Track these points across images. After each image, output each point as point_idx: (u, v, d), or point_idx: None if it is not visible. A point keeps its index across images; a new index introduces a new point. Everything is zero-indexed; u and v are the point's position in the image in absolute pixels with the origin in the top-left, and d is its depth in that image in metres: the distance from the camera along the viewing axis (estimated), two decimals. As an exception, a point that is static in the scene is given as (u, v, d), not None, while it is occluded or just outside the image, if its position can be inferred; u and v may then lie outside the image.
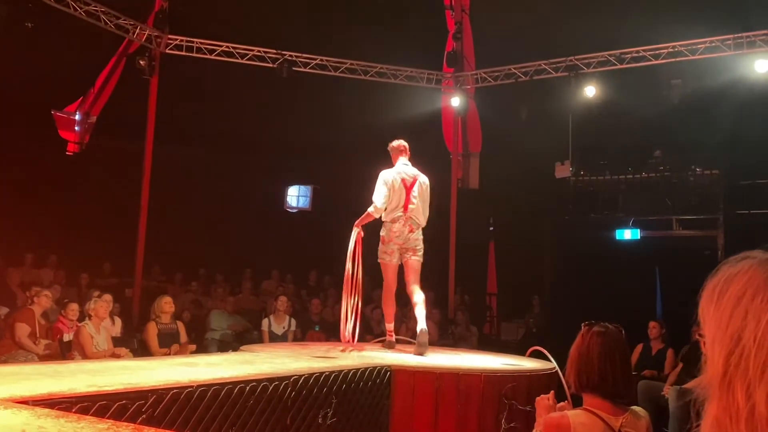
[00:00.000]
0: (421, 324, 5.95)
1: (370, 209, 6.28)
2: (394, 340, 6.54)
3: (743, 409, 0.91)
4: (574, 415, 2.59)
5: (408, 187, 6.33)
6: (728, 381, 0.94)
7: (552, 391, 2.81)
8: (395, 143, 6.67)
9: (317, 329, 9.88)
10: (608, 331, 2.70)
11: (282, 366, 4.26)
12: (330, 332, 9.25)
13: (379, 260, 6.38)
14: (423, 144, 13.10)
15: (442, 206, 12.28)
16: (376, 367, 4.59)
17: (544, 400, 2.77)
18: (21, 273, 10.74)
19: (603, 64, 11.01)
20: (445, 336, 10.43)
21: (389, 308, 6.54)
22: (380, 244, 6.34)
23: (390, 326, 6.59)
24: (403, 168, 6.46)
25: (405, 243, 6.26)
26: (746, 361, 0.92)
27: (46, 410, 1.98)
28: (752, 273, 0.96)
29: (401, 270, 6.37)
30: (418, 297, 6.21)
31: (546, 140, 12.74)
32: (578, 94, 11.29)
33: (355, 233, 6.42)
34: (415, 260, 6.32)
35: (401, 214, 6.26)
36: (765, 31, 9.94)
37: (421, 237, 6.37)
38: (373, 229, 6.54)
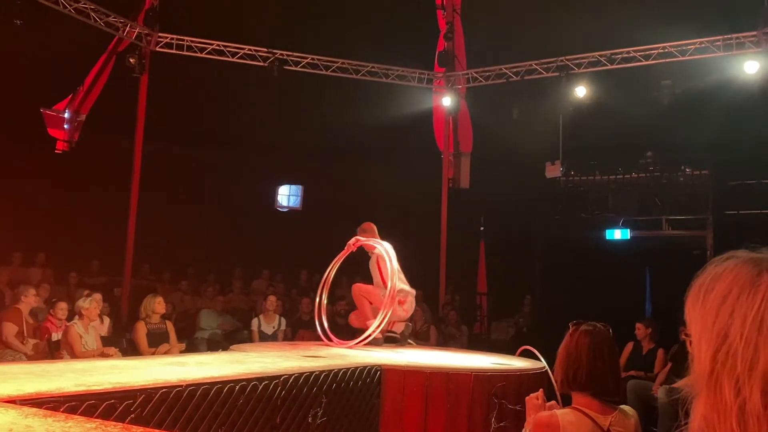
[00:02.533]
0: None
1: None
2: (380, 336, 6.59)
3: (732, 405, 0.92)
4: (563, 414, 2.59)
5: None
6: (716, 378, 0.94)
7: (541, 390, 2.81)
8: (368, 225, 6.82)
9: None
10: (596, 330, 2.71)
11: (272, 365, 4.25)
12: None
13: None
14: (414, 143, 13.19)
15: (433, 206, 12.31)
16: (366, 366, 4.58)
17: (533, 400, 2.78)
18: (9, 272, 10.67)
19: (593, 64, 11.05)
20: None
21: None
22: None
23: (370, 322, 6.62)
24: None
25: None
26: (733, 358, 0.93)
27: (34, 409, 1.97)
28: (737, 272, 0.97)
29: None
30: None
31: (536, 140, 12.78)
32: (569, 94, 11.33)
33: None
34: None
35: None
36: (754, 33, 10.01)
37: None
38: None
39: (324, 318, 6.51)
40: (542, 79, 11.53)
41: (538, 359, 5.13)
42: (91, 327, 7.43)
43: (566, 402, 2.77)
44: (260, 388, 3.60)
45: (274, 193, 15.59)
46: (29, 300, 7.81)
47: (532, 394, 2.78)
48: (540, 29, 11.74)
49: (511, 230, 13.66)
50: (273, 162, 14.66)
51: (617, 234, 13.09)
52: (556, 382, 2.79)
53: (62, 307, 7.82)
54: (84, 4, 9.90)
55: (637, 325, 8.32)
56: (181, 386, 3.15)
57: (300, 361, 4.61)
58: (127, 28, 10.66)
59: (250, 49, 11.38)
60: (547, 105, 12.10)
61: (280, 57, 11.41)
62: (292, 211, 15.56)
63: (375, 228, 6.84)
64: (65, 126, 11.97)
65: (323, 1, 12.53)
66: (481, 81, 12.20)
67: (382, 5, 12.33)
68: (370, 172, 12.74)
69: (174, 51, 11.14)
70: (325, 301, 6.72)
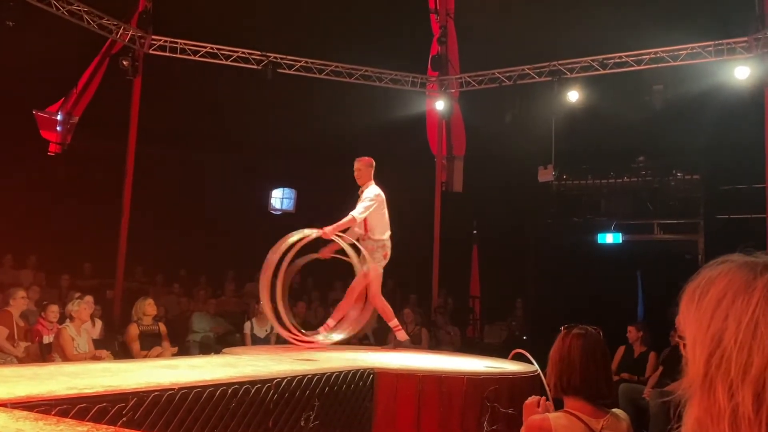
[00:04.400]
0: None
1: (356, 217, 6.38)
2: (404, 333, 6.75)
3: (725, 409, 0.92)
4: (556, 418, 2.59)
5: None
6: (709, 382, 0.94)
7: (543, 398, 2.79)
8: (371, 161, 6.77)
9: None
10: (588, 334, 2.71)
11: (264, 368, 4.24)
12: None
13: (377, 270, 6.59)
14: (407, 147, 13.20)
15: (427, 209, 12.32)
16: (359, 369, 4.58)
17: (533, 406, 2.75)
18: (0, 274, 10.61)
19: (586, 69, 11.10)
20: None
21: (387, 307, 6.77)
22: (382, 258, 6.59)
23: (395, 322, 6.78)
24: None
25: None
26: (727, 362, 0.93)
27: (25, 413, 1.96)
28: (732, 275, 0.97)
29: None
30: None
31: (529, 144, 12.82)
32: (561, 98, 11.36)
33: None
34: None
35: (389, 232, 6.63)
36: (744, 39, 10.08)
37: None
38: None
39: (284, 309, 6.50)
40: (535, 84, 11.57)
41: (531, 362, 5.14)
42: (83, 329, 7.40)
43: (558, 406, 2.77)
44: (252, 391, 3.59)
45: (268, 196, 15.57)
46: (19, 302, 7.75)
47: (532, 399, 2.75)
48: (533, 34, 11.78)
49: (504, 234, 13.68)
50: (266, 165, 14.65)
51: (609, 238, 13.14)
52: (548, 386, 2.78)
53: (53, 310, 7.77)
54: (77, 6, 9.87)
55: (629, 328, 8.34)
56: (173, 389, 3.13)
57: (292, 365, 4.60)
58: (121, 31, 10.63)
59: (243, 52, 11.37)
60: (539, 109, 12.14)
61: (274, 60, 11.41)
62: (285, 214, 15.54)
63: (373, 163, 6.77)
64: (58, 128, 11.91)
65: (317, 4, 12.54)
66: (474, 85, 12.23)
67: (376, 9, 12.35)
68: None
69: (167, 54, 11.11)
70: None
